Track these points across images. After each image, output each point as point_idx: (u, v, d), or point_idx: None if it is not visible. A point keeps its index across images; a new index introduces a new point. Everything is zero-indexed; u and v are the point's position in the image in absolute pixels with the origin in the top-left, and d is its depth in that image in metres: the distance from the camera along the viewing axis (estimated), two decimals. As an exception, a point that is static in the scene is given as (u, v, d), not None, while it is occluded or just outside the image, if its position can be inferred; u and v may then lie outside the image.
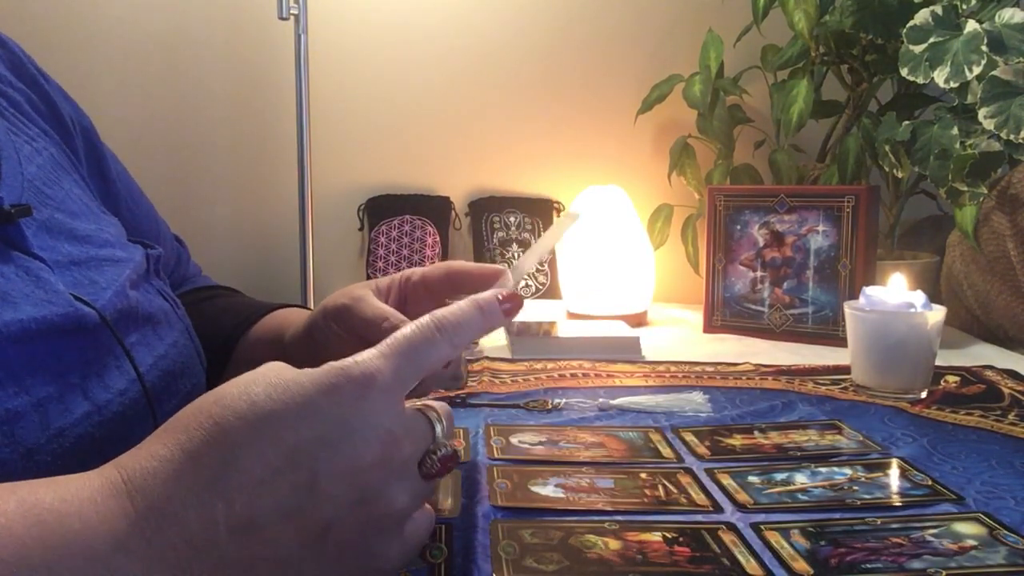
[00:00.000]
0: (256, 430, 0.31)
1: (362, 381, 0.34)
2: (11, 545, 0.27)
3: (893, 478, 0.56)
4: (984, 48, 0.95)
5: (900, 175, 1.10)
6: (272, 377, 0.33)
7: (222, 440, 0.31)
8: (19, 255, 0.41)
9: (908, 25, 1.02)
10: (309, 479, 0.32)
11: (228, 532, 0.30)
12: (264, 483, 0.31)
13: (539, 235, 1.50)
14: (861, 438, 0.64)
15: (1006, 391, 0.76)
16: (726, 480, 0.55)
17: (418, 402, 0.38)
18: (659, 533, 0.46)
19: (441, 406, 0.39)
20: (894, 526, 0.47)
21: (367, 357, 0.35)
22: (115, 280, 0.47)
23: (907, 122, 1.05)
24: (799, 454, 0.60)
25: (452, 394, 0.75)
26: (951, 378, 0.81)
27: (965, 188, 0.98)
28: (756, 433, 0.65)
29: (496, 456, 0.59)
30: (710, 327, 1.12)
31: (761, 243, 1.07)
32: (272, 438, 0.31)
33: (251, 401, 0.32)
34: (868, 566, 0.43)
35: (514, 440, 0.63)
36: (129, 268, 0.49)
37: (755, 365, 0.88)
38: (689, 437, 0.64)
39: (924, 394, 0.75)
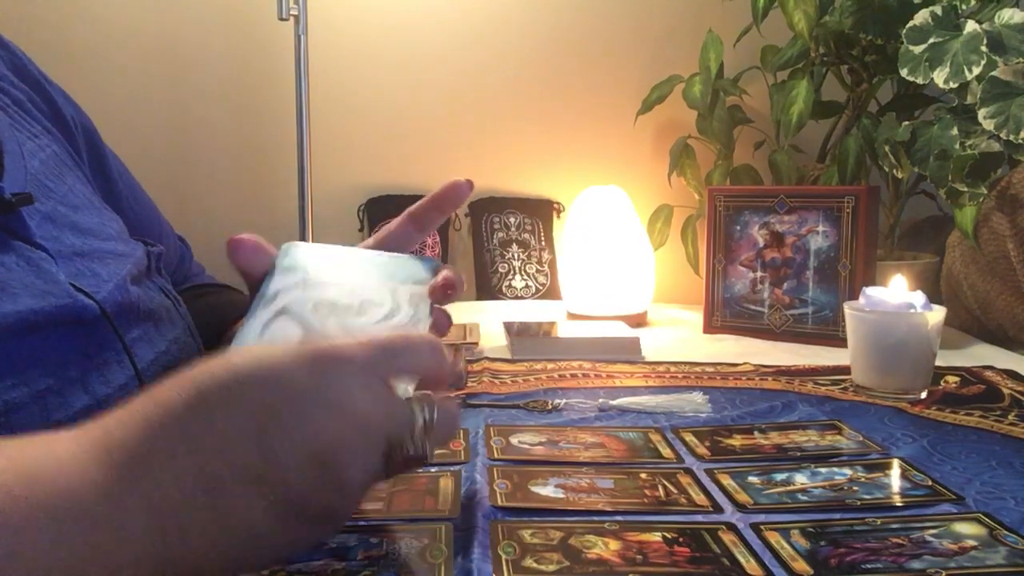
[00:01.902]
0: (231, 392, 0.33)
1: (336, 355, 0.35)
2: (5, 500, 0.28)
3: (893, 478, 0.56)
4: (984, 48, 0.95)
5: (900, 175, 1.10)
6: (255, 349, 0.35)
7: (200, 401, 0.32)
8: (21, 244, 0.41)
9: (908, 25, 1.02)
10: (276, 441, 0.32)
11: (199, 490, 0.31)
12: (234, 443, 0.32)
13: (540, 236, 1.49)
14: (861, 438, 0.64)
15: (1006, 391, 0.76)
16: (726, 480, 0.55)
17: (417, 392, 0.38)
18: (659, 533, 0.46)
19: (441, 399, 0.38)
20: (894, 526, 0.47)
21: (345, 341, 0.36)
22: (117, 273, 0.47)
23: (907, 122, 1.05)
24: (799, 454, 0.60)
25: (452, 394, 0.75)
26: (951, 378, 0.81)
27: (965, 188, 0.98)
28: (756, 433, 0.65)
29: (496, 456, 0.59)
30: (710, 327, 1.12)
31: (761, 243, 1.07)
32: (244, 400, 0.33)
33: (230, 366, 0.33)
34: (868, 566, 0.43)
35: (514, 440, 0.63)
36: (130, 263, 0.49)
37: (755, 365, 0.88)
38: (689, 437, 0.64)
39: (924, 394, 0.75)
